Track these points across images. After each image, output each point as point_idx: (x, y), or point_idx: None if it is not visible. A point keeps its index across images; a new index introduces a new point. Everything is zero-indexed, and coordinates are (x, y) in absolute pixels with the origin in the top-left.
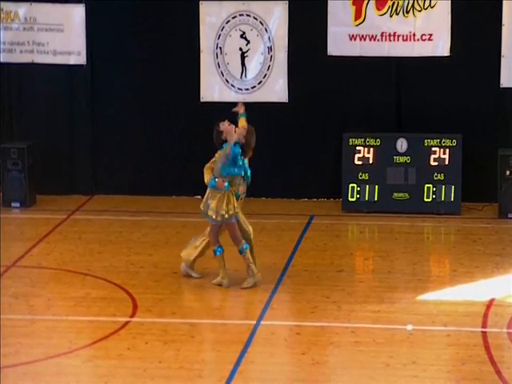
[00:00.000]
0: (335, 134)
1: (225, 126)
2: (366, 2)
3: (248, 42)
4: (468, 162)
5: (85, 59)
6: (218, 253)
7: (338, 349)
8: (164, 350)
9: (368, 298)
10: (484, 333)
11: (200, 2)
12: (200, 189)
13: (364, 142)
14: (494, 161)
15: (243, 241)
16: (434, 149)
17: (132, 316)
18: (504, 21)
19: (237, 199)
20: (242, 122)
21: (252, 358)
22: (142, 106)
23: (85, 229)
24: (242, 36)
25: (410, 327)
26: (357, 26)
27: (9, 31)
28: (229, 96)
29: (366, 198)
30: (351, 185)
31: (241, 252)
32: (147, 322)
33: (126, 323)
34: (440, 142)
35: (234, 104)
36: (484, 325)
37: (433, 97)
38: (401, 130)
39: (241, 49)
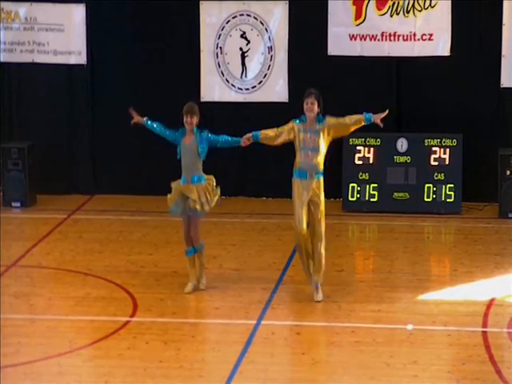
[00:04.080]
0: None
1: None
2: (366, 1)
3: (248, 41)
4: (468, 161)
5: (85, 59)
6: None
7: (338, 349)
8: (164, 350)
9: (368, 297)
10: (484, 333)
11: (200, 1)
12: None
13: (364, 141)
14: (494, 161)
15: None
16: (434, 148)
17: (132, 316)
18: (504, 21)
19: None
20: None
21: (252, 357)
22: (142, 106)
23: (85, 228)
24: (242, 36)
25: (410, 327)
26: (357, 25)
27: (9, 31)
28: (229, 96)
29: (367, 198)
30: (351, 184)
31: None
32: (147, 321)
33: (127, 323)
34: (440, 142)
35: (235, 104)
36: (484, 324)
37: (433, 97)
38: (401, 129)
39: (241, 49)
